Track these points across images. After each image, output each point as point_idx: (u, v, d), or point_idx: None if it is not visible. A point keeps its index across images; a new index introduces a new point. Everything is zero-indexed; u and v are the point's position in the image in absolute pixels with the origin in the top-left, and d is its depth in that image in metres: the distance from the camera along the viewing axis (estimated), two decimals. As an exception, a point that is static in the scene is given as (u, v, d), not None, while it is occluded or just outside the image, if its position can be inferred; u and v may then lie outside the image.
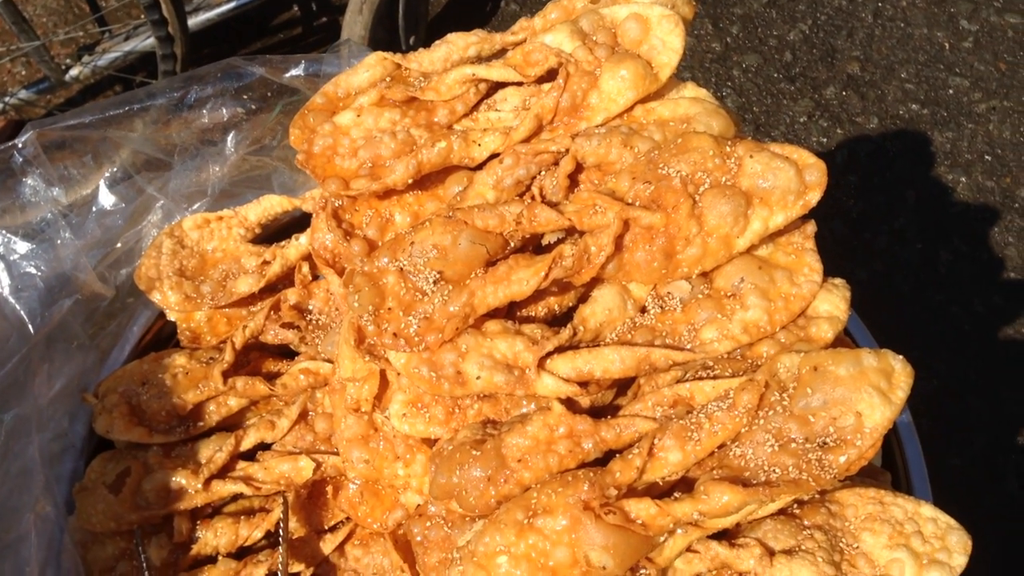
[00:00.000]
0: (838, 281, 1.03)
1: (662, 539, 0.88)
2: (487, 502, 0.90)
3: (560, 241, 1.01)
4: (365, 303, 0.94)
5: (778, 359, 0.93)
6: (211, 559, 1.15)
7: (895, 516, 0.92)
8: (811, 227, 1.04)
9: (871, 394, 0.88)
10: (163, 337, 1.34)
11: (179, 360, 1.24)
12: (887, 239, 2.56)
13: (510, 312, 1.02)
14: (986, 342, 2.41)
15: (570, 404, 0.95)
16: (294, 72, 1.39)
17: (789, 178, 0.96)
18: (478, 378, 0.93)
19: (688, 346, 0.98)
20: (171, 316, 1.29)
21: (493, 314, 0.98)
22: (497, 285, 0.94)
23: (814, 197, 0.98)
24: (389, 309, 0.94)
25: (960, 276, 2.51)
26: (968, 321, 2.44)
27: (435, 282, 0.94)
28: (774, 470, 0.87)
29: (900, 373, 0.90)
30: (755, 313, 0.97)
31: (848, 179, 2.66)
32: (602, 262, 0.96)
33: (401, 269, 0.95)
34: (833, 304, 1.00)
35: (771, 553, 0.90)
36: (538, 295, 0.99)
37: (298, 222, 1.32)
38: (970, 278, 2.50)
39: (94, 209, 1.31)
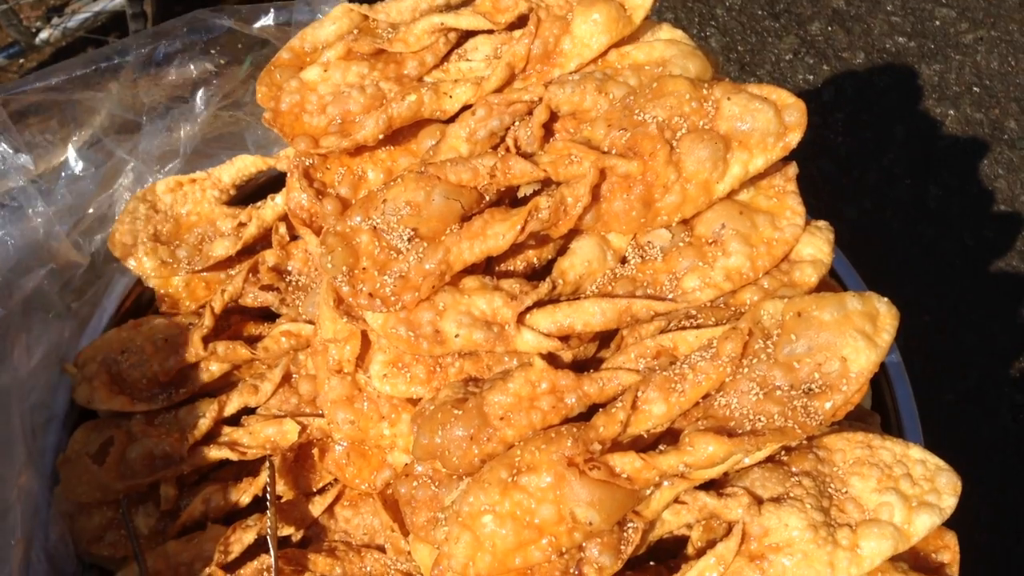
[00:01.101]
0: (821, 223, 1.01)
1: (649, 492, 0.87)
2: (471, 461, 0.89)
3: (536, 193, 0.99)
4: (339, 263, 0.92)
5: (761, 306, 0.92)
6: (200, 525, 1.14)
7: (883, 459, 0.92)
8: (792, 169, 1.01)
9: (856, 338, 0.87)
10: (142, 304, 1.32)
11: (159, 326, 1.22)
12: (876, 176, 2.53)
13: (488, 267, 1.00)
14: (977, 276, 2.40)
15: (552, 359, 0.93)
16: (263, 22, 1.35)
17: (768, 119, 0.94)
18: (457, 336, 0.92)
19: (670, 296, 0.96)
20: (148, 282, 1.27)
21: (470, 270, 0.96)
22: (473, 240, 0.93)
23: (794, 138, 0.96)
24: (364, 269, 0.92)
25: (950, 211, 2.48)
26: (959, 255, 2.42)
27: (409, 240, 0.92)
28: (759, 419, 0.86)
29: (885, 316, 0.89)
30: (737, 259, 0.95)
31: (835, 116, 2.63)
32: (579, 213, 0.94)
33: (374, 227, 0.93)
34: (817, 247, 0.98)
35: (759, 501, 0.89)
36: (516, 249, 0.97)
37: (274, 182, 1.29)
38: (960, 212, 2.48)
39: (64, 175, 1.28)
